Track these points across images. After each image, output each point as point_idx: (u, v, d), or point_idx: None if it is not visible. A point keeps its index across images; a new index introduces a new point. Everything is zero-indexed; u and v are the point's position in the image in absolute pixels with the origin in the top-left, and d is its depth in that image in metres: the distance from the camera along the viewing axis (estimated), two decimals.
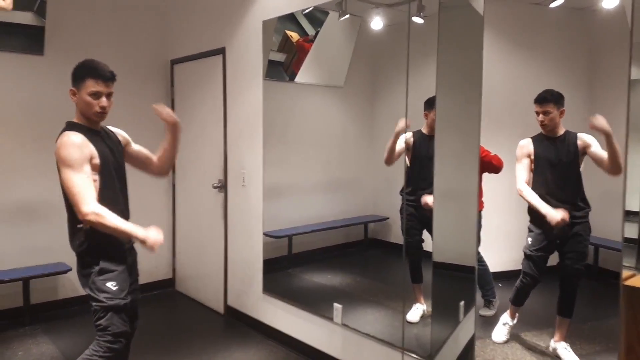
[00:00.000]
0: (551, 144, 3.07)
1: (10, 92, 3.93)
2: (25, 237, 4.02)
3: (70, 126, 2.23)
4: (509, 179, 3.52)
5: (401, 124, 2.86)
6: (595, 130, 2.71)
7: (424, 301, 3.18)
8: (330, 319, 3.15)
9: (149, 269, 4.59)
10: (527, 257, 3.15)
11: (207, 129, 4.26)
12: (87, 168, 2.13)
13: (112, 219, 2.09)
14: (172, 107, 4.71)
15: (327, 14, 3.38)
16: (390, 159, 3.02)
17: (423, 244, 3.07)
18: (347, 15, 3.24)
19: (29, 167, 4.01)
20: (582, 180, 2.99)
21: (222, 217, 4.13)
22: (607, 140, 2.71)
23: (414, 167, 3.02)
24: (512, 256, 3.63)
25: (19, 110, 3.97)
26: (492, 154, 3.31)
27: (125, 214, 2.33)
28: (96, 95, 2.19)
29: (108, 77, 2.21)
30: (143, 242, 2.11)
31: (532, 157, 3.12)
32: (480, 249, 3.33)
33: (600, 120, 2.66)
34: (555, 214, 2.91)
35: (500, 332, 3.33)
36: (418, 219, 3.03)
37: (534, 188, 3.08)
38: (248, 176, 3.82)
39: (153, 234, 2.11)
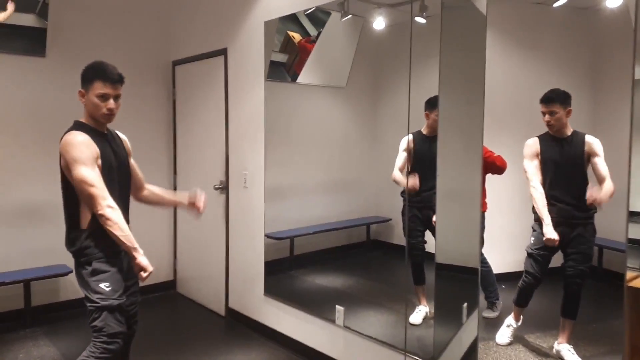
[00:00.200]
0: (558, 145, 3.05)
1: (12, 94, 3.93)
2: (26, 239, 4.01)
3: (78, 126, 2.26)
4: (512, 180, 3.51)
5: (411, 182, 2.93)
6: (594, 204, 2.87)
7: (426, 303, 3.17)
8: (333, 321, 3.14)
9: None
10: (529, 255, 3.13)
11: (209, 130, 4.25)
12: (96, 166, 2.18)
13: (123, 221, 2.17)
14: (174, 109, 4.71)
15: (329, 14, 3.37)
16: (400, 174, 3.05)
17: (425, 245, 3.05)
18: (349, 16, 3.23)
19: (30, 169, 4.00)
20: (588, 182, 2.97)
21: (224, 219, 4.11)
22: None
23: (414, 168, 3.01)
24: (516, 257, 3.60)
25: (20, 112, 3.97)
26: (495, 155, 3.29)
27: (124, 218, 2.32)
28: (104, 97, 2.22)
29: (116, 80, 2.24)
30: (136, 262, 2.17)
31: (539, 157, 3.10)
32: (484, 250, 3.31)
33: (595, 194, 2.81)
34: (551, 235, 2.95)
35: (504, 334, 3.31)
36: (420, 220, 3.02)
37: None
38: (250, 177, 3.81)
39: (146, 262, 2.17)
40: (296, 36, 3.57)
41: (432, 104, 2.82)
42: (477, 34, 2.77)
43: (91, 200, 2.12)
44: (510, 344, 3.28)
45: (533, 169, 3.10)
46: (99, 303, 2.18)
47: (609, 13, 3.67)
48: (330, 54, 3.70)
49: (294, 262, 3.88)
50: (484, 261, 3.48)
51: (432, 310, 3.02)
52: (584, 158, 2.95)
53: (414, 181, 2.89)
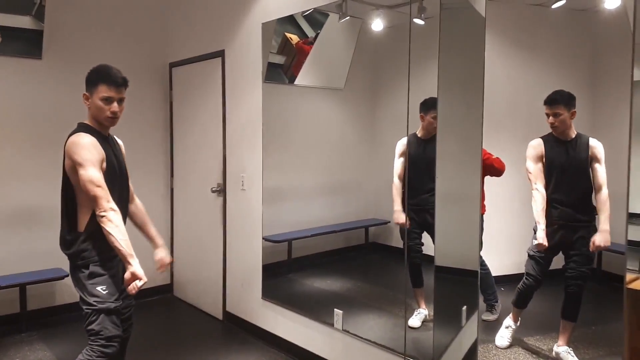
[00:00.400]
0: (563, 149, 3.02)
1: (9, 97, 3.90)
2: (22, 243, 3.98)
3: (83, 128, 2.27)
4: (511, 182, 3.50)
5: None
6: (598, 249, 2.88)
7: (425, 306, 3.15)
8: (331, 324, 3.12)
9: (147, 274, 4.51)
10: (530, 257, 3.12)
11: (206, 132, 4.23)
12: (101, 169, 2.20)
13: (123, 226, 2.18)
14: (171, 111, 4.69)
15: (327, 15, 3.36)
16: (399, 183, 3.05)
17: (423, 248, 3.04)
18: (348, 17, 3.22)
19: (26, 172, 3.98)
20: (592, 186, 2.95)
21: (221, 222, 4.09)
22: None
23: (410, 171, 3.00)
24: (514, 260, 3.59)
25: (17, 114, 3.94)
26: (494, 157, 3.28)
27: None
28: (108, 100, 2.24)
29: (120, 83, 2.26)
30: (130, 272, 2.12)
31: (544, 160, 3.07)
32: (482, 253, 3.30)
33: (597, 242, 2.83)
34: (542, 240, 2.93)
35: (503, 335, 3.30)
36: (417, 222, 3.00)
37: None
38: (247, 180, 3.79)
39: (141, 272, 2.13)
40: (294, 38, 3.56)
41: (427, 106, 2.79)
42: (476, 36, 2.77)
43: (95, 201, 2.12)
44: (509, 346, 3.27)
45: (537, 171, 3.07)
46: (96, 306, 2.18)
47: (608, 15, 3.67)
48: (328, 55, 3.69)
49: (292, 265, 3.86)
50: (482, 264, 3.47)
51: (432, 313, 3.01)
52: (588, 161, 2.94)
53: (403, 220, 2.93)
